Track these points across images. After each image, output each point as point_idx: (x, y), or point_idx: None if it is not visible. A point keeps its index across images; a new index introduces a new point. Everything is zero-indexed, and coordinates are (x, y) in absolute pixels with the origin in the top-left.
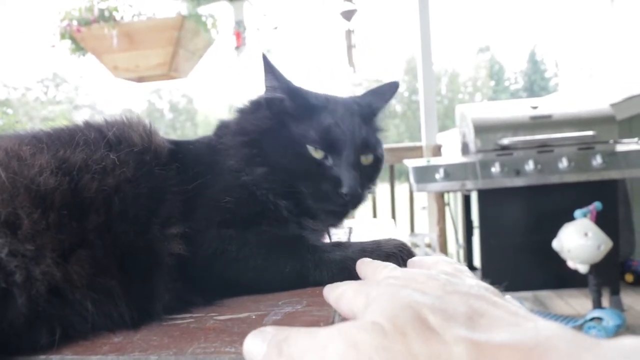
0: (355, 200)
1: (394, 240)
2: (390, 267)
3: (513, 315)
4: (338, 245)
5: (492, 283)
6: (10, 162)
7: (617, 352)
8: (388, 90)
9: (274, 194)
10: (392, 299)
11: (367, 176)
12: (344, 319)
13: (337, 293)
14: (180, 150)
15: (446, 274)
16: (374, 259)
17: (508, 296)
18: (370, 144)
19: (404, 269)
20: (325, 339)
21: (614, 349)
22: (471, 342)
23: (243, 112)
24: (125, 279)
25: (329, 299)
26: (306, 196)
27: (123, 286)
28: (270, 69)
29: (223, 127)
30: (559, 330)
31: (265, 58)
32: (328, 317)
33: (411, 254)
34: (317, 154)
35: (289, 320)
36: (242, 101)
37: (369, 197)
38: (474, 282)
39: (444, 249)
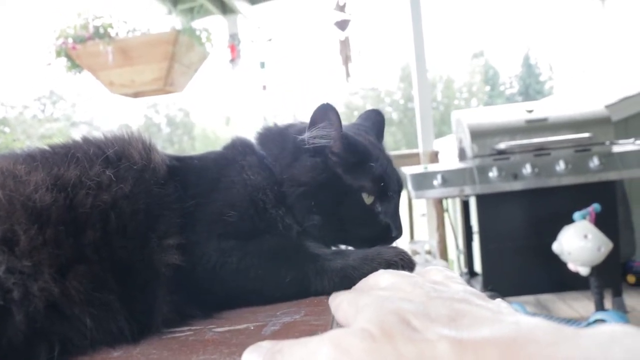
0: (398, 239)
1: (395, 248)
2: (380, 276)
3: (496, 314)
4: (339, 253)
5: (493, 288)
6: (6, 180)
7: (595, 339)
8: (377, 122)
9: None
10: (379, 307)
11: None
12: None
13: (335, 303)
14: (182, 167)
15: (434, 282)
16: (374, 266)
17: (498, 299)
18: (403, 185)
19: (392, 276)
20: (317, 346)
21: (591, 336)
22: (453, 339)
23: (267, 140)
24: (123, 293)
25: (331, 308)
26: (356, 239)
27: (122, 300)
28: (328, 117)
29: (244, 146)
30: (540, 323)
31: (327, 106)
32: (326, 325)
33: (411, 262)
34: (368, 200)
35: (287, 330)
36: (266, 125)
37: None
38: (460, 288)
39: (444, 255)
